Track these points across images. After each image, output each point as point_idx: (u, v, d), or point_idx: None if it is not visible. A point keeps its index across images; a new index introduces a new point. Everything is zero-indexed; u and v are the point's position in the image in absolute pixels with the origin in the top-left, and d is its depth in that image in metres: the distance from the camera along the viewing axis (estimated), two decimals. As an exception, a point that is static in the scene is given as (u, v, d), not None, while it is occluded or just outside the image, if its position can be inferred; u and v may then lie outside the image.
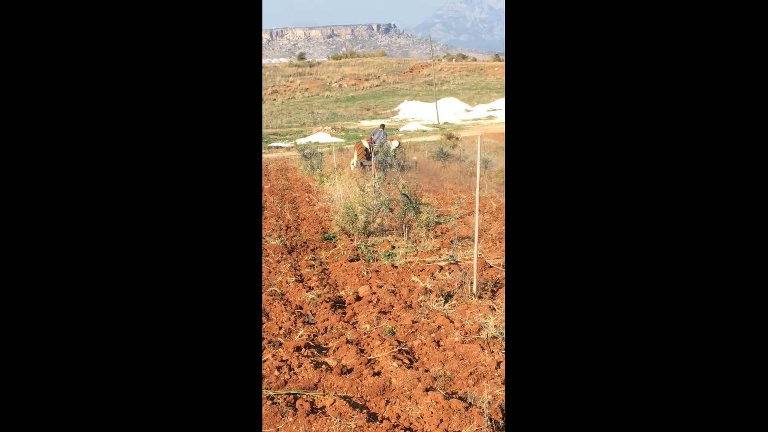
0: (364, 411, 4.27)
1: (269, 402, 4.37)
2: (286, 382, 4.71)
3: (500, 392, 4.43)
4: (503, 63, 68.29)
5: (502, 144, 22.65)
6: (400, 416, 4.21)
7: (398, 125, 36.40)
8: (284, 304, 6.52)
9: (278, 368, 4.92)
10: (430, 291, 6.76)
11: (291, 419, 4.20)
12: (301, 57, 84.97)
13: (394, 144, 17.24)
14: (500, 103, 43.73)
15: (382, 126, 19.57)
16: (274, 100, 53.24)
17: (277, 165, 18.82)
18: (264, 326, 5.88)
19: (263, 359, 5.10)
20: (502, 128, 31.24)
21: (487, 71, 62.44)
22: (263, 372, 4.85)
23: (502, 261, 7.70)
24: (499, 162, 17.77)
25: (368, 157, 16.38)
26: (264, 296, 6.75)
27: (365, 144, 17.45)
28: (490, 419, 4.00)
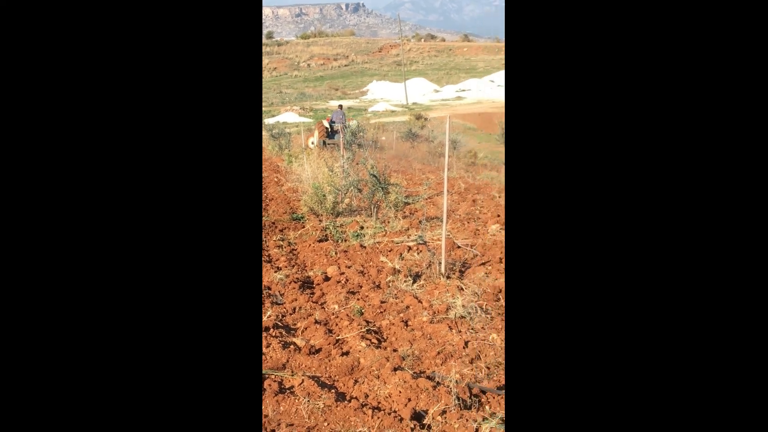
0: (333, 390, 4.31)
1: (238, 381, 4.39)
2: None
3: (468, 371, 4.49)
4: (472, 43, 68.17)
5: (471, 124, 22.61)
6: (368, 395, 4.25)
7: (367, 105, 36.25)
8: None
9: (247, 348, 4.92)
10: (399, 271, 6.81)
11: (264, 398, 4.22)
12: (269, 36, 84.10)
13: (354, 123, 17.48)
14: (469, 83, 43.71)
15: (340, 106, 20.58)
16: (244, 79, 52.98)
17: (245, 145, 18.67)
18: (233, 306, 5.89)
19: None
20: (470, 109, 31.30)
21: (456, 51, 62.33)
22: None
23: (470, 241, 7.76)
24: (468, 142, 17.81)
25: (329, 135, 16.59)
26: (232, 276, 6.76)
27: (326, 124, 17.66)
28: (458, 398, 4.06)
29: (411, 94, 39.51)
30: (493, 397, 4.15)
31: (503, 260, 7.03)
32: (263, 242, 8.16)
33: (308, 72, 56.64)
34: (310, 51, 65.70)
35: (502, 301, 5.79)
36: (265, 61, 60.13)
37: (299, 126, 19.61)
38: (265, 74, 54.66)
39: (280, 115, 27.03)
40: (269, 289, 6.39)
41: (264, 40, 75.08)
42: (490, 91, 40.82)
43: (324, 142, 16.67)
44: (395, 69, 52.10)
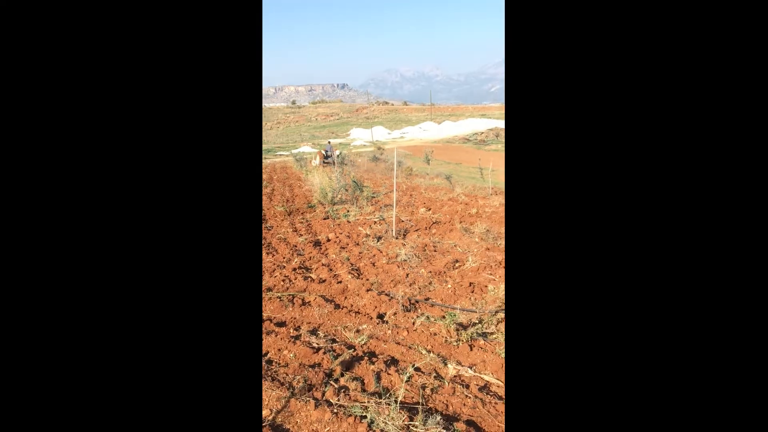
0: (332, 303, 4.33)
1: (278, 300, 4.38)
2: (287, 288, 4.72)
3: (408, 290, 4.54)
4: (409, 106, 68.06)
5: (408, 152, 22.54)
6: (353, 305, 4.28)
7: (350, 142, 35.96)
8: (286, 245, 6.49)
9: (283, 281, 4.92)
10: (368, 235, 6.82)
11: (291, 308, 4.23)
12: (293, 103, 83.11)
13: (337, 152, 17.89)
14: (407, 129, 43.71)
15: (329, 142, 21.93)
16: (279, 127, 52.18)
17: (281, 165, 18.41)
18: (275, 257, 5.86)
19: (276, 276, 5.08)
20: (408, 144, 31.26)
21: (399, 111, 62.32)
22: (276, 283, 4.84)
23: (408, 218, 7.79)
24: (406, 162, 17.81)
25: (325, 158, 16.80)
26: (274, 240, 6.71)
27: (323, 152, 18.00)
28: (402, 305, 4.10)
29: (375, 135, 39.31)
30: (422, 305, 4.21)
31: (428, 228, 7.09)
32: (291, 220, 8.11)
33: (316, 123, 56.09)
34: (317, 111, 65.07)
35: (428, 251, 5.84)
36: (291, 117, 59.45)
37: (311, 154, 19.45)
38: (290, 124, 54.06)
39: (301, 148, 26.68)
40: (296, 246, 6.36)
41: (291, 107, 74.13)
42: (419, 133, 40.76)
43: (324, 163, 16.85)
44: (365, 121, 51.81)
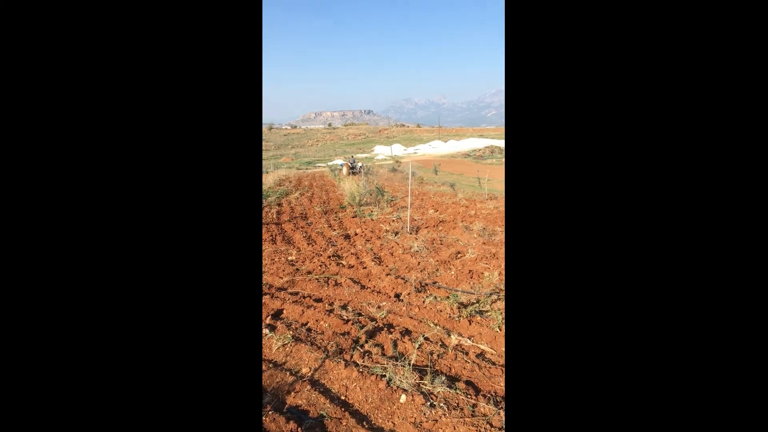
0: (359, 284, 4.33)
1: (316, 281, 4.40)
2: (323, 272, 4.74)
3: (419, 275, 4.51)
4: (421, 128, 67.66)
5: (422, 165, 22.38)
6: (375, 286, 4.27)
7: (373, 156, 35.94)
8: (322, 237, 6.52)
9: (320, 266, 4.94)
10: (388, 231, 6.80)
11: (326, 288, 4.24)
12: (329, 125, 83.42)
13: (359, 164, 17.88)
14: (420, 146, 43.40)
15: (353, 156, 21.94)
16: (318, 144, 52.45)
17: (319, 174, 18.48)
18: (314, 247, 5.89)
19: (314, 262, 5.10)
20: (420, 158, 31.07)
21: (413, 132, 62.02)
22: (315, 267, 4.86)
23: (419, 218, 7.75)
24: (419, 172, 17.71)
25: (351, 168, 16.80)
26: (314, 233, 6.74)
27: (348, 163, 18.05)
28: (414, 287, 4.08)
29: (393, 151, 39.19)
30: (431, 287, 4.18)
31: (436, 226, 7.05)
32: (327, 217, 8.14)
33: (347, 141, 56.13)
34: (348, 131, 65.12)
35: (435, 244, 5.80)
36: (328, 136, 59.64)
37: (343, 166, 19.50)
38: (327, 142, 54.21)
39: (335, 160, 26.78)
40: (330, 238, 6.39)
41: (327, 128, 74.31)
42: (429, 149, 40.46)
43: (351, 172, 16.85)
44: (386, 140, 51.67)
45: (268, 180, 13.92)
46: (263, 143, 49.82)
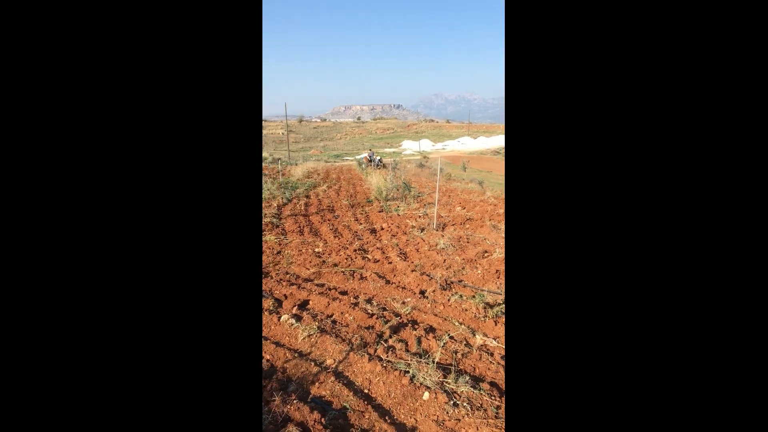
0: (384, 279, 4.34)
1: (341, 274, 4.45)
2: (349, 265, 4.78)
3: (444, 272, 4.48)
4: (450, 124, 66.89)
5: (450, 161, 22.18)
6: (400, 282, 4.28)
7: (401, 151, 35.83)
8: (349, 231, 6.57)
9: (346, 259, 4.98)
10: (414, 226, 6.77)
11: (351, 281, 4.28)
12: (358, 119, 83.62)
13: (378, 157, 17.83)
14: (448, 142, 42.93)
15: (371, 149, 22.03)
16: (346, 138, 52.76)
17: (347, 167, 18.60)
18: (340, 240, 5.94)
19: (341, 255, 5.14)
20: (448, 154, 30.76)
21: (442, 127, 61.36)
22: (341, 260, 4.91)
23: (448, 214, 7.68)
24: (446, 169, 17.56)
25: (369, 161, 16.85)
26: (340, 227, 6.80)
27: (367, 156, 18.04)
28: (440, 284, 4.06)
29: (421, 146, 38.93)
30: (456, 286, 4.15)
31: (463, 223, 6.97)
32: (354, 211, 8.19)
33: (375, 135, 56.11)
34: (376, 125, 65.07)
35: (462, 242, 5.74)
36: (356, 130, 59.84)
37: (363, 159, 19.52)
38: (356, 136, 54.40)
39: (363, 154, 26.91)
40: (356, 232, 6.43)
41: (356, 122, 74.46)
42: (458, 146, 39.96)
43: (370, 164, 16.89)
44: (415, 135, 51.34)
45: (297, 172, 14.12)
46: (293, 135, 50.37)
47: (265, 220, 6.94)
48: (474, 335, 3.11)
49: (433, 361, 2.60)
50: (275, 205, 8.47)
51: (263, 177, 12.99)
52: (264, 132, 54.66)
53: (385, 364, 2.61)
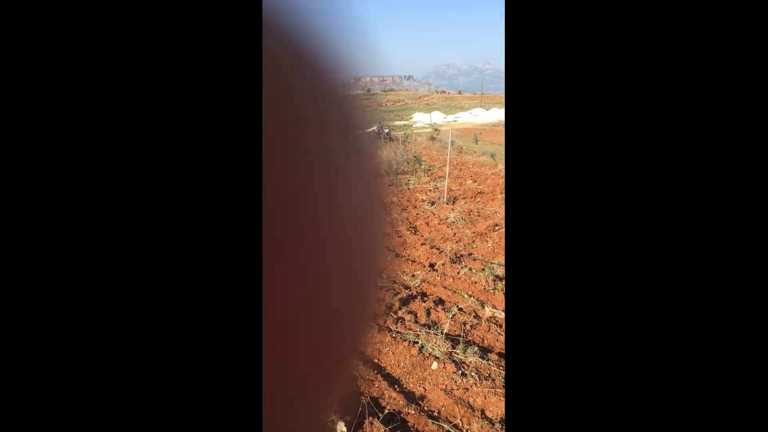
0: (393, 252, 4.33)
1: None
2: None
3: (454, 245, 4.47)
4: (462, 95, 65.34)
5: (462, 134, 21.87)
6: (410, 255, 4.29)
7: (412, 124, 35.36)
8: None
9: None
10: (424, 200, 6.75)
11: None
12: (369, 91, 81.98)
13: (386, 129, 17.73)
14: (460, 114, 42.09)
15: (380, 122, 20.94)
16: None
17: (356, 141, 18.57)
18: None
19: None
20: (460, 126, 30.25)
21: (454, 99, 60.05)
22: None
23: (459, 188, 7.62)
24: (457, 142, 17.32)
25: (378, 133, 16.96)
26: (350, 200, 6.81)
27: (376, 129, 18.17)
28: (449, 258, 4.06)
29: (433, 119, 38.32)
30: (466, 259, 4.15)
31: (474, 197, 6.91)
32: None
33: (386, 108, 55.25)
34: (387, 98, 63.98)
35: (473, 216, 5.71)
36: (367, 104, 59.08)
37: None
38: (366, 110, 53.83)
39: (372, 127, 26.69)
40: (366, 206, 6.42)
41: (366, 94, 73.11)
42: (470, 117, 39.18)
43: (379, 136, 17.02)
44: (426, 107, 50.42)
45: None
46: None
47: (275, 194, 6.99)
48: (483, 307, 3.13)
49: (442, 332, 2.64)
50: (285, 179, 8.50)
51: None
52: (273, 106, 54.32)
53: (394, 335, 2.66)
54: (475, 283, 3.54)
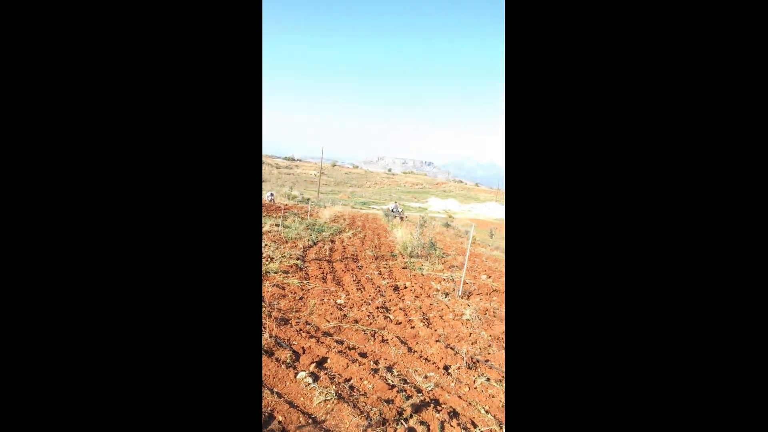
0: (406, 345, 4.13)
1: (362, 333, 4.26)
2: (370, 324, 4.60)
3: (470, 348, 4.22)
4: (479, 188, 67.48)
5: (474, 224, 22.29)
6: (422, 351, 4.05)
7: (426, 207, 36.06)
8: (372, 285, 6.43)
9: (367, 316, 4.81)
10: (438, 290, 6.57)
11: (372, 342, 4.09)
12: (389, 170, 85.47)
13: (400, 209, 18.05)
14: (475, 205, 43.11)
15: (395, 202, 22.06)
16: (376, 187, 53.72)
17: (372, 216, 18.72)
18: (363, 294, 5.79)
19: (362, 311, 4.98)
20: (475, 217, 30.73)
21: (471, 190, 61.92)
22: (362, 317, 4.73)
23: (473, 281, 7.45)
24: (471, 231, 17.54)
25: (392, 211, 17.13)
26: (363, 279, 6.67)
27: (389, 208, 18.36)
28: (465, 362, 3.81)
29: (448, 206, 39.18)
30: (482, 366, 3.88)
31: (489, 294, 6.71)
32: (378, 264, 8.06)
33: (404, 188, 57.03)
34: (406, 179, 66.31)
35: (488, 315, 5.48)
36: (386, 181, 60.96)
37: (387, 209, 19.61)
38: (385, 186, 55.28)
39: (388, 204, 27.25)
40: (379, 288, 6.27)
41: (387, 173, 75.98)
42: (484, 210, 39.99)
43: (393, 215, 17.23)
44: (442, 193, 51.92)
45: (325, 214, 14.28)
46: (324, 178, 51.69)
47: (290, 261, 6.90)
48: (501, 428, 2.83)
49: (459, 457, 2.35)
50: (301, 246, 8.47)
51: (293, 216, 13.17)
52: (297, 171, 56.35)
53: (404, 450, 2.37)
54: (493, 397, 3.26)
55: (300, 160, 73.87)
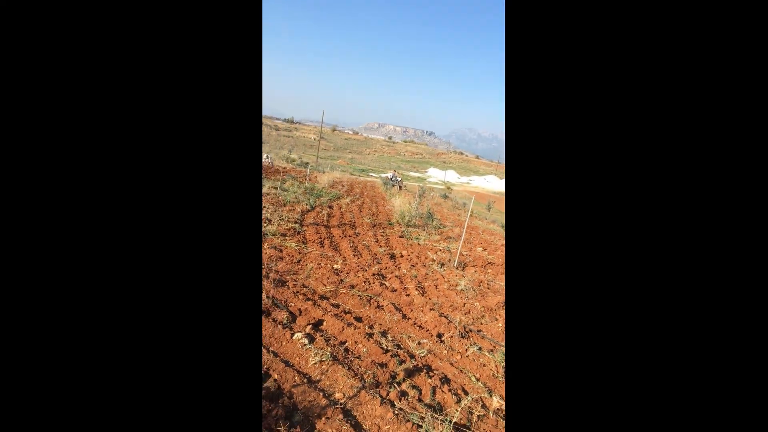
0: (400, 312, 4.18)
1: (358, 297, 4.30)
2: (366, 290, 4.63)
3: (463, 318, 4.29)
4: (479, 160, 66.89)
5: (473, 197, 22.18)
6: (417, 319, 4.11)
7: (425, 177, 35.85)
8: (368, 252, 6.45)
9: (364, 282, 4.84)
10: (434, 260, 6.61)
11: (367, 308, 4.13)
12: (390, 138, 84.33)
13: (399, 178, 18.04)
14: (474, 177, 42.89)
15: (394, 171, 21.66)
16: (375, 155, 53.10)
17: (371, 184, 18.59)
18: (359, 260, 5.81)
19: (359, 276, 5.01)
20: (474, 189, 30.65)
21: (471, 162, 61.42)
22: (358, 282, 4.77)
23: (469, 253, 7.50)
24: (468, 204, 17.51)
25: (390, 179, 17.10)
26: (360, 246, 6.68)
27: (388, 176, 18.34)
28: (458, 331, 3.86)
29: (447, 177, 38.95)
30: (474, 335, 3.95)
31: (484, 266, 6.77)
32: (374, 232, 8.06)
33: (404, 157, 56.44)
34: (406, 148, 65.53)
35: (482, 287, 5.54)
36: (386, 149, 60.20)
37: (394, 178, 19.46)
38: (384, 154, 54.64)
39: (387, 173, 27.03)
40: (376, 255, 6.29)
41: (387, 141, 74.89)
42: (483, 183, 39.84)
43: (392, 183, 17.26)
44: (442, 164, 51.47)
45: (323, 179, 14.15)
46: (323, 143, 50.91)
47: (288, 224, 6.88)
48: (491, 396, 2.91)
49: (450, 422, 2.42)
50: (299, 210, 8.43)
51: (291, 180, 13.04)
52: (296, 134, 55.38)
53: (397, 412, 2.44)
54: (484, 365, 3.33)
55: (300, 123, 72.50)
